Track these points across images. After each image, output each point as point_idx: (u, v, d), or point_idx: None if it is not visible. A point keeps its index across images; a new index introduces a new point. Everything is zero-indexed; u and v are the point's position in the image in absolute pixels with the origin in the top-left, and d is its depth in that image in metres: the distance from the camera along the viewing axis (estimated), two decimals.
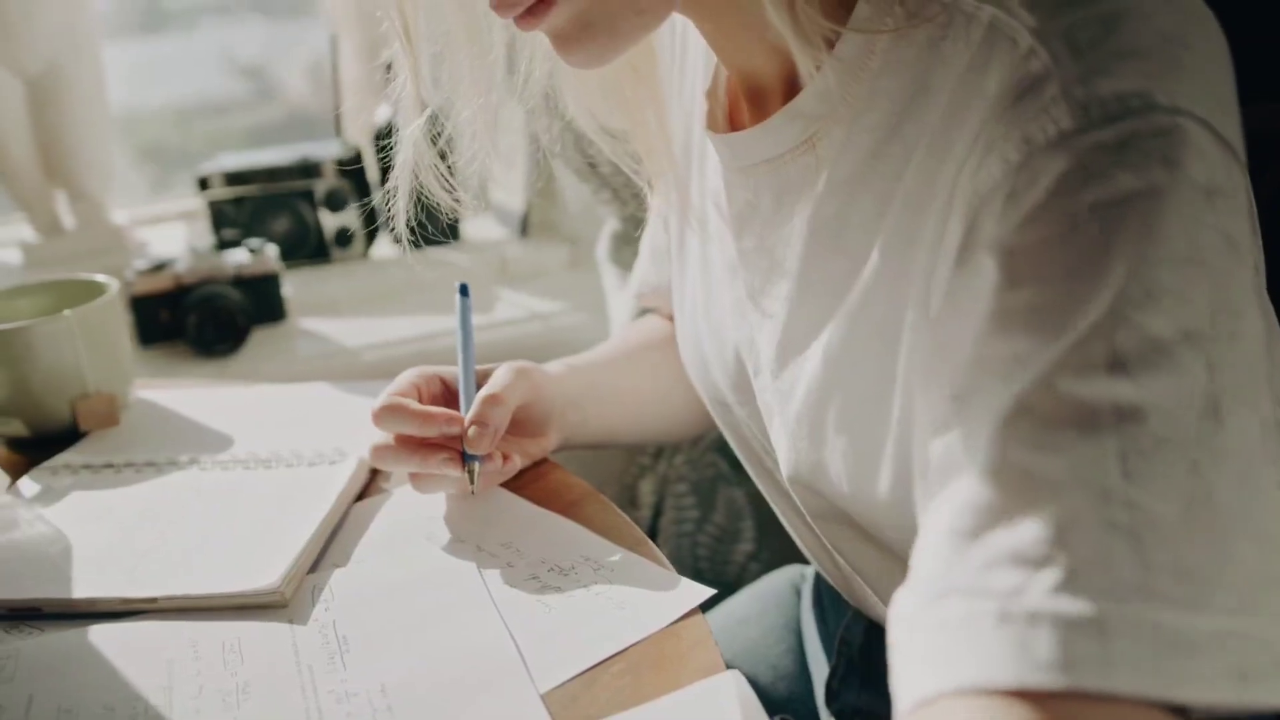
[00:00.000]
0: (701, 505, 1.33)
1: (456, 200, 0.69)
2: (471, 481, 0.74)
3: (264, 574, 0.68)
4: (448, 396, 0.80)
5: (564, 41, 0.58)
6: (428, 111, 0.66)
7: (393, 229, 0.69)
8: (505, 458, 0.77)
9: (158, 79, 1.92)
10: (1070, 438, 0.42)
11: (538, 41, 0.69)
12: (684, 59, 0.76)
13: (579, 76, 0.69)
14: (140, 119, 1.92)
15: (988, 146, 0.48)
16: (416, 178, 0.67)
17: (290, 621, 0.65)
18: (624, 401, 0.89)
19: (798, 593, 0.99)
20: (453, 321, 1.33)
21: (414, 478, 0.76)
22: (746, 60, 0.62)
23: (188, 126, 1.99)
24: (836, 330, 0.59)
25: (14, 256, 1.50)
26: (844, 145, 0.57)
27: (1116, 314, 0.43)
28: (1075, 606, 0.39)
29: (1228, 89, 0.48)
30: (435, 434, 0.73)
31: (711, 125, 0.68)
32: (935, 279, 0.52)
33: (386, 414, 0.73)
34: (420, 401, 0.77)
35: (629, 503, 1.34)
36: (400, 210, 0.69)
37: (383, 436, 0.75)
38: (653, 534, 1.35)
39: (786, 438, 0.66)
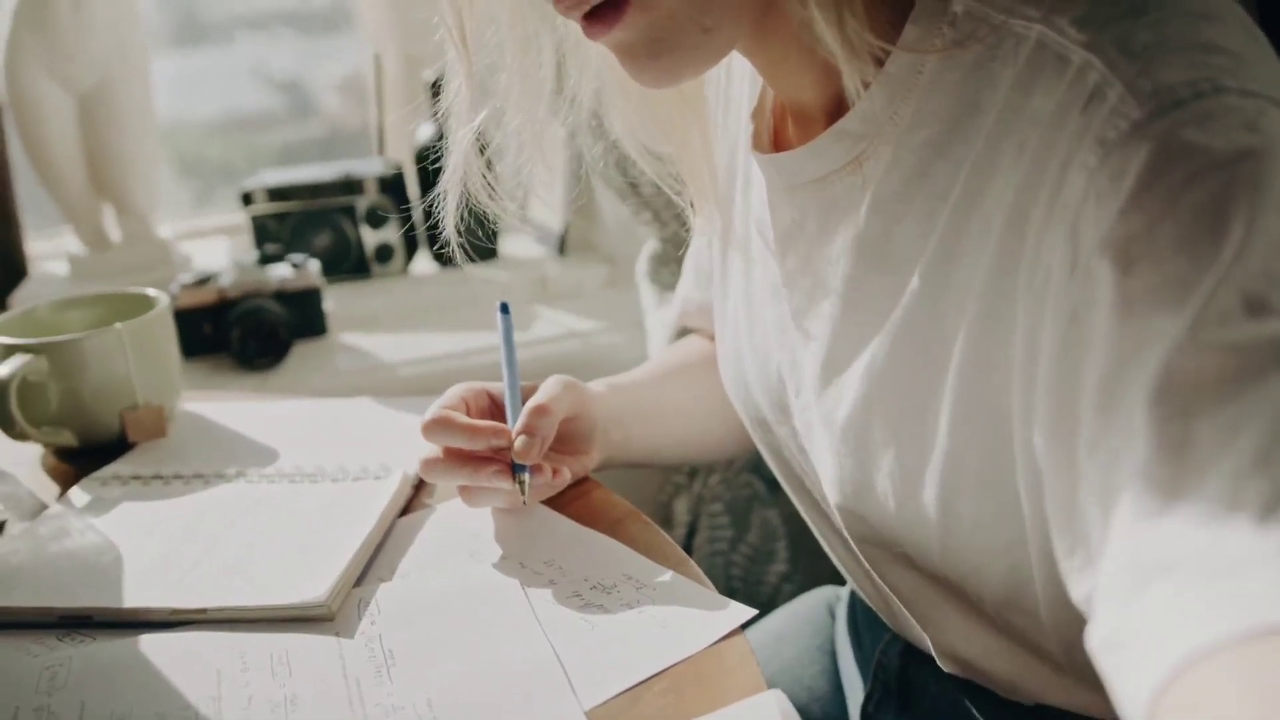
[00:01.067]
0: (736, 525, 1.33)
1: (503, 208, 0.70)
2: (523, 492, 0.74)
3: (311, 587, 0.69)
4: (494, 411, 0.81)
5: (633, 59, 0.58)
6: (480, 118, 0.67)
7: (439, 239, 0.70)
8: (555, 471, 0.77)
9: (195, 92, 1.94)
10: (1231, 390, 0.40)
11: (586, 60, 0.70)
12: (728, 86, 0.77)
13: (625, 98, 0.70)
14: (179, 132, 1.94)
15: (1065, 163, 0.48)
16: (464, 184, 0.68)
17: (337, 634, 0.66)
18: (666, 421, 0.89)
19: (832, 614, 0.99)
20: (492, 337, 1.35)
21: (463, 491, 0.77)
22: (794, 81, 0.63)
23: (226, 140, 2.02)
24: (880, 347, 0.60)
25: (61, 268, 1.53)
26: (890, 165, 0.58)
27: (1242, 262, 0.42)
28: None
29: None
30: (483, 447, 0.74)
31: (757, 146, 0.69)
32: (1040, 308, 0.51)
33: (435, 427, 0.74)
34: (468, 415, 0.78)
35: (663, 522, 1.34)
36: (449, 213, 0.69)
37: (431, 450, 0.76)
38: (686, 553, 1.35)
39: (831, 456, 0.66)
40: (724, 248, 0.78)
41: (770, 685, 0.93)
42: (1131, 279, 0.44)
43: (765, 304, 0.72)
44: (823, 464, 0.68)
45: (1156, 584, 0.38)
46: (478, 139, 0.68)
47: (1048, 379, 0.50)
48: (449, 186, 0.69)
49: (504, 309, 0.81)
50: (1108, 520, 0.43)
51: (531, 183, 0.71)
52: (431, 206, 0.70)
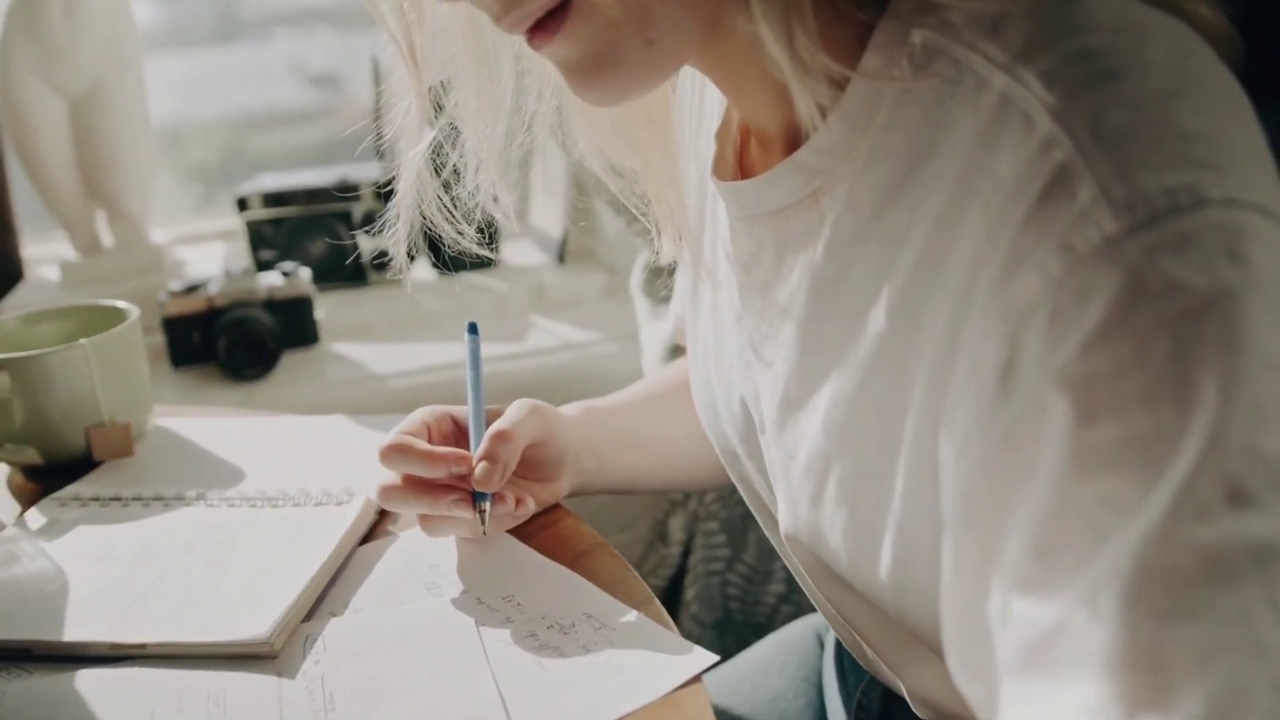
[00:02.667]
0: (732, 544, 1.30)
1: (459, 233, 0.67)
2: (483, 523, 0.71)
3: (256, 623, 0.66)
4: (458, 436, 0.78)
5: (577, 75, 0.55)
6: (429, 138, 0.64)
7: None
8: (518, 501, 0.74)
9: (231, 88, 1.93)
10: (1205, 595, 0.36)
11: (546, 75, 0.67)
12: (701, 106, 0.73)
13: (589, 115, 0.67)
14: (190, 134, 1.93)
15: (1019, 254, 0.43)
16: (419, 207, 0.65)
17: (279, 674, 0.63)
18: (647, 447, 0.86)
19: (821, 642, 0.96)
20: (486, 349, 1.32)
21: (423, 520, 0.74)
22: (752, 102, 0.60)
23: (239, 143, 2.00)
24: (837, 398, 0.56)
25: (53, 274, 1.51)
26: (846, 203, 0.54)
27: (1220, 440, 0.37)
28: None
29: (1265, 152, 0.45)
30: (443, 474, 0.71)
31: (720, 169, 0.66)
32: (961, 395, 0.47)
33: (393, 453, 0.71)
34: (430, 441, 0.75)
35: (659, 539, 1.31)
36: (401, 239, 0.67)
37: (390, 477, 0.73)
38: (682, 572, 1.32)
39: (786, 502, 0.63)
40: (694, 271, 0.74)
41: (757, 718, 0.91)
42: (1091, 430, 0.40)
43: (729, 331, 0.69)
44: (780, 509, 0.64)
45: None
46: (435, 158, 0.65)
47: (966, 482, 0.46)
48: (400, 209, 0.66)
49: (472, 329, 0.78)
50: (1035, 679, 0.40)
51: (491, 204, 0.68)
52: (385, 227, 0.67)
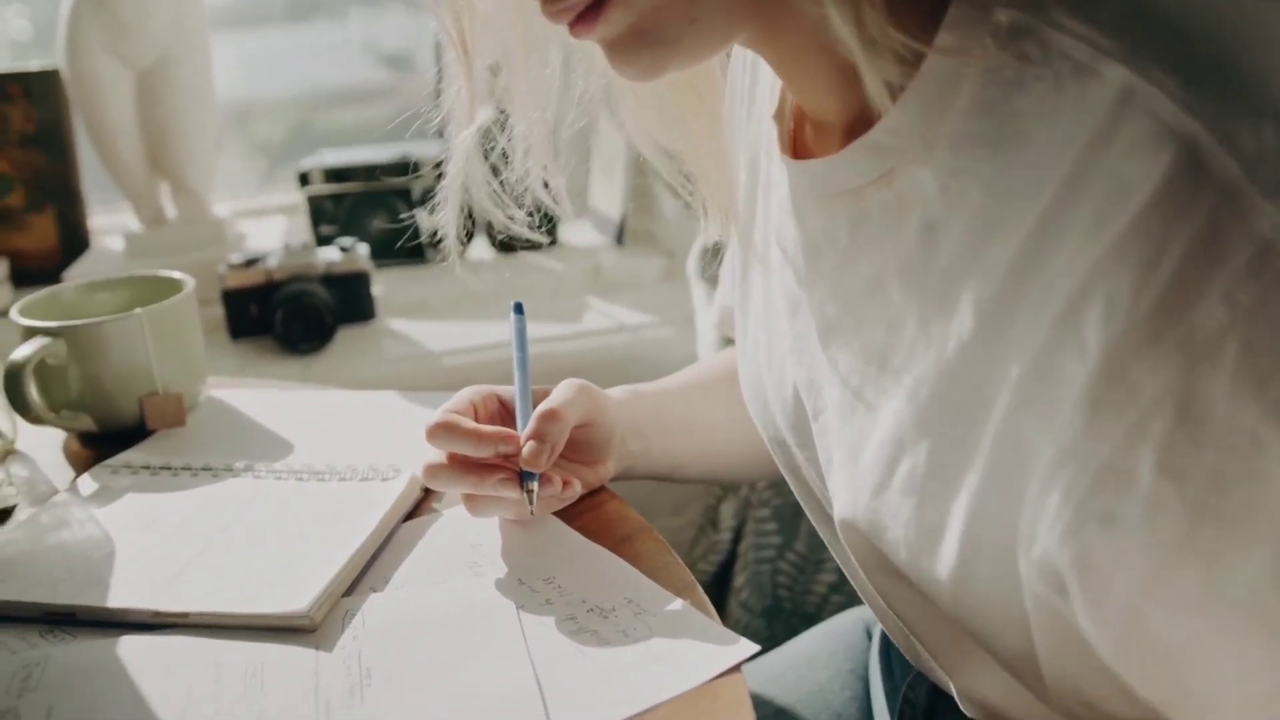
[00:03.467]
0: (783, 532, 1.29)
1: (510, 217, 0.67)
2: (530, 503, 0.71)
3: (296, 596, 0.66)
4: (504, 416, 0.77)
5: (617, 52, 0.54)
6: (479, 122, 0.63)
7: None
8: (565, 482, 0.74)
9: (305, 66, 1.95)
10: None
11: (595, 56, 0.65)
12: (753, 86, 0.72)
13: (637, 94, 0.66)
14: (259, 110, 1.95)
15: (1185, 280, 0.42)
16: (467, 191, 0.65)
17: (316, 648, 0.63)
18: (693, 434, 0.85)
19: (869, 634, 0.94)
20: (541, 329, 1.32)
21: (468, 500, 0.73)
22: (811, 84, 0.58)
23: (306, 118, 2.02)
24: (917, 388, 0.54)
25: (118, 245, 1.53)
26: (928, 187, 0.52)
27: None
28: None
29: None
30: (490, 453, 0.70)
31: (782, 148, 0.64)
32: (1111, 424, 0.44)
33: (439, 431, 0.71)
34: (476, 420, 0.74)
35: (710, 524, 1.30)
36: (450, 221, 0.66)
37: (436, 455, 0.72)
38: (732, 558, 1.31)
39: (847, 490, 0.61)
40: (743, 256, 0.73)
41: (799, 709, 0.90)
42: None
43: (782, 317, 0.67)
44: (838, 495, 0.63)
45: None
46: (485, 142, 0.65)
47: (1160, 524, 0.44)
48: (449, 193, 0.65)
49: (518, 309, 0.77)
50: None
51: (540, 187, 0.67)
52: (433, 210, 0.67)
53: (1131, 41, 0.44)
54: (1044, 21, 0.47)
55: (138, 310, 0.89)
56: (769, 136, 0.66)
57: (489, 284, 1.48)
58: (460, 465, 0.71)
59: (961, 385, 0.51)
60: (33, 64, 1.51)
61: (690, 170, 0.68)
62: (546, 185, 0.69)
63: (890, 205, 0.55)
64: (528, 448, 0.70)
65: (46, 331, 0.88)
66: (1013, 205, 0.48)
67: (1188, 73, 0.43)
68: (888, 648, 0.87)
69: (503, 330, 1.36)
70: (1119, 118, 0.43)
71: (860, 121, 0.55)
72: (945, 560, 0.54)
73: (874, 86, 0.50)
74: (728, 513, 1.29)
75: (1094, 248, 0.44)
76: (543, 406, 0.72)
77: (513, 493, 0.70)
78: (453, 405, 0.74)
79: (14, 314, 0.91)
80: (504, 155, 0.67)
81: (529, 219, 0.68)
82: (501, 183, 0.66)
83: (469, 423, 0.72)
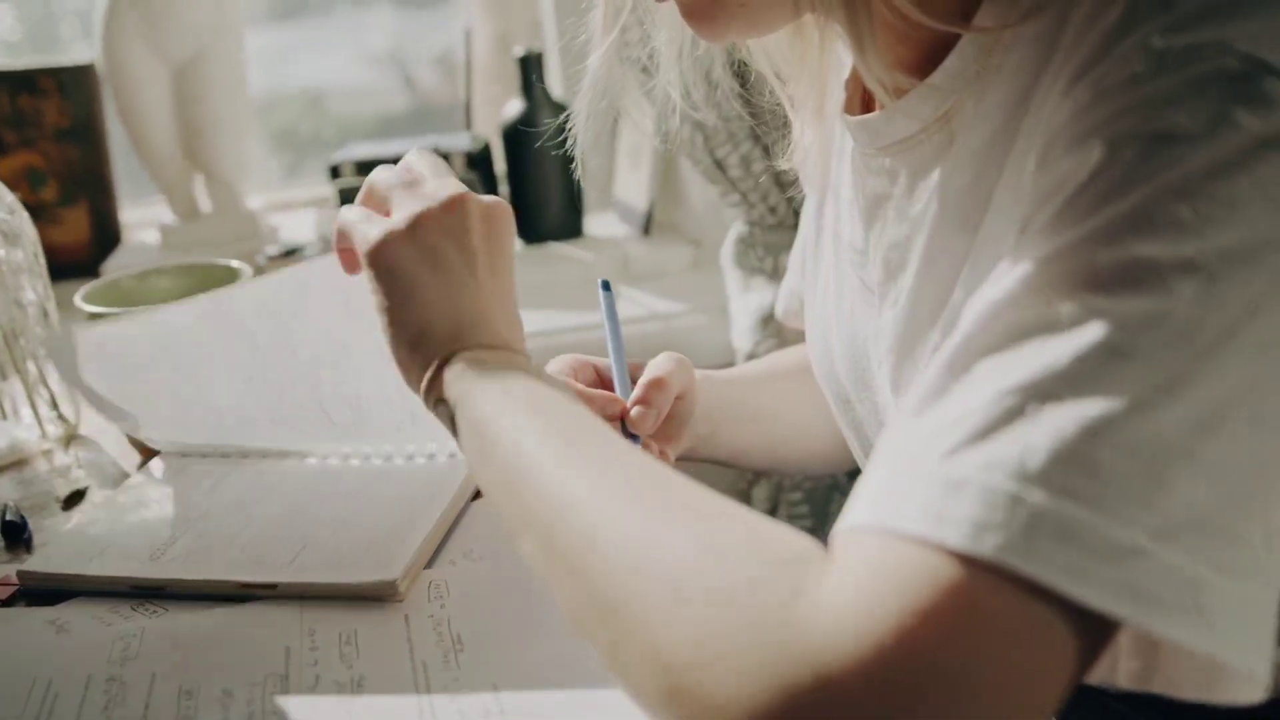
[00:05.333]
0: (815, 515, 1.31)
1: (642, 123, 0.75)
2: None
3: (383, 566, 0.68)
4: (600, 384, 0.78)
5: (687, 17, 0.61)
6: (617, 28, 0.69)
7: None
8: (661, 452, 0.76)
9: (291, 65, 1.95)
10: (1023, 340, 0.42)
11: None
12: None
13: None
14: (274, 105, 1.96)
15: (1066, 89, 0.48)
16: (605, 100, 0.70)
17: (406, 616, 0.65)
18: (759, 423, 0.86)
19: None
20: (577, 315, 1.34)
21: None
22: (880, 40, 0.62)
23: (319, 112, 2.03)
24: (953, 311, 0.58)
25: (153, 237, 1.55)
26: (975, 120, 0.57)
27: (1106, 233, 0.42)
28: (995, 480, 0.39)
29: None
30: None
31: (848, 109, 0.68)
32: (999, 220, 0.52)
33: None
34: None
35: None
36: (581, 131, 0.72)
37: None
38: None
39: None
40: (818, 220, 0.75)
41: None
42: (1043, 206, 0.46)
43: (850, 277, 0.70)
44: None
45: (898, 460, 0.43)
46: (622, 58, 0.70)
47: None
48: (581, 107, 0.71)
49: (605, 286, 0.79)
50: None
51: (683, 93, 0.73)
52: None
53: None
54: None
55: (200, 296, 0.91)
56: (839, 98, 0.69)
57: (520, 275, 1.49)
58: None
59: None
60: (65, 59, 1.53)
61: (791, 92, 0.73)
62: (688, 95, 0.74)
63: (943, 145, 0.59)
64: (636, 411, 0.72)
65: (114, 318, 0.90)
66: (1035, 107, 0.53)
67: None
68: None
69: (536, 319, 1.38)
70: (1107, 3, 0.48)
71: (926, 64, 0.60)
72: None
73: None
74: (761, 496, 1.31)
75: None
76: (651, 374, 0.74)
77: None
78: (555, 369, 0.76)
79: (78, 301, 0.93)
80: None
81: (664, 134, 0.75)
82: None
83: (577, 385, 0.74)
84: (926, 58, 0.59)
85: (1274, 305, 0.41)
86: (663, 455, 0.75)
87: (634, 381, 0.75)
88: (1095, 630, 0.39)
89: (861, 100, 0.68)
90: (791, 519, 1.30)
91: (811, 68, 0.72)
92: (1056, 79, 0.50)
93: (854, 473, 1.24)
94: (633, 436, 0.72)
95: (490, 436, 0.55)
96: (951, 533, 0.39)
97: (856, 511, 0.42)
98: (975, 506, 0.39)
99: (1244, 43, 0.43)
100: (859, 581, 0.39)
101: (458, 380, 0.58)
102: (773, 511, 1.31)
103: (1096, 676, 0.53)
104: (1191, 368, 0.40)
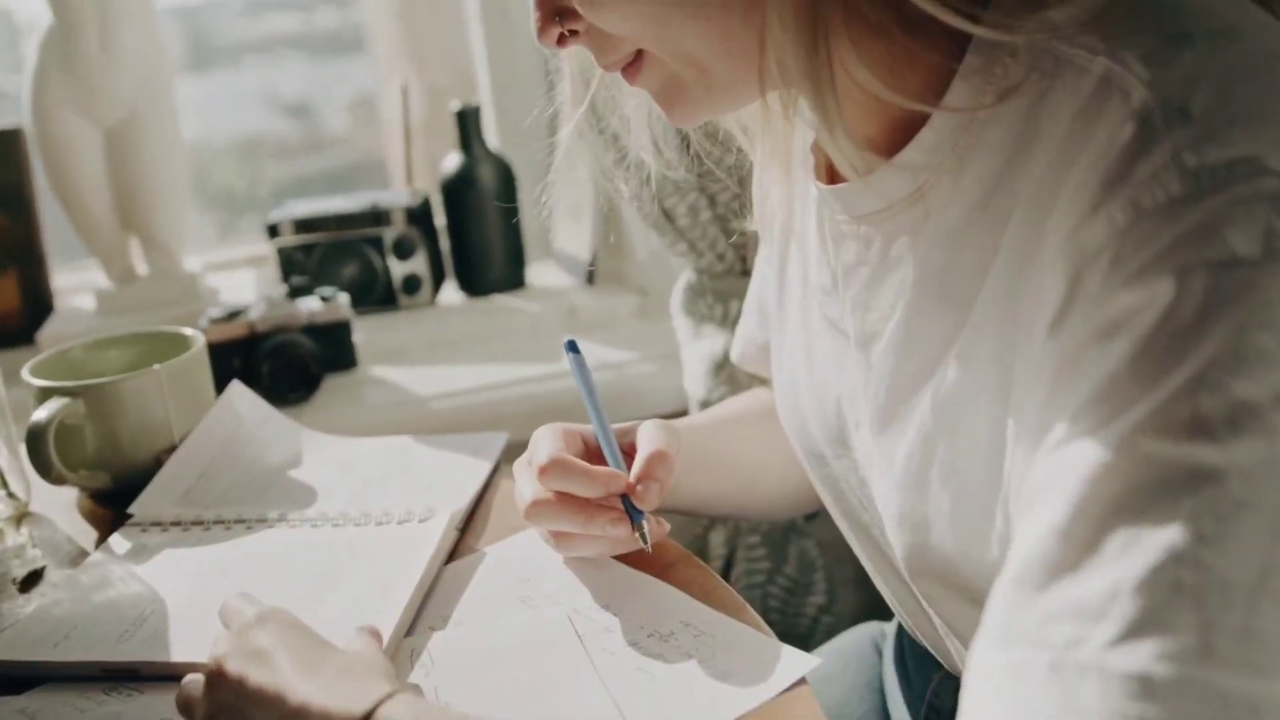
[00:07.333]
0: (773, 557, 1.31)
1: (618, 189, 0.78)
2: (644, 540, 0.72)
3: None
4: (586, 454, 0.78)
5: (657, 100, 0.64)
6: (586, 100, 0.72)
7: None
8: (659, 520, 0.75)
9: (205, 117, 1.92)
10: (1146, 500, 0.42)
11: None
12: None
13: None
14: (203, 160, 1.93)
15: (1094, 205, 0.48)
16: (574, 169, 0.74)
17: None
18: (720, 471, 0.86)
19: (879, 651, 0.97)
20: (524, 369, 1.34)
21: (561, 536, 0.75)
22: (848, 118, 0.62)
23: (238, 166, 2.01)
24: (942, 383, 0.59)
25: (88, 303, 1.52)
26: (951, 195, 0.57)
27: (1203, 377, 0.42)
28: (1126, 662, 0.39)
29: None
30: (602, 493, 0.72)
31: (818, 176, 0.69)
32: (1034, 330, 0.51)
33: (555, 469, 0.72)
34: None
35: (699, 555, 1.32)
36: (556, 200, 0.75)
37: (538, 492, 0.73)
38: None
39: (894, 491, 0.64)
40: (781, 269, 0.76)
41: None
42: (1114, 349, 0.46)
43: (823, 336, 0.71)
44: (884, 500, 0.66)
45: (1013, 651, 0.43)
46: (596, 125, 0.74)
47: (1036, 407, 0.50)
48: (556, 177, 0.74)
49: (571, 347, 0.79)
50: (1009, 561, 0.47)
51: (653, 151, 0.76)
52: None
53: (1120, 37, 0.50)
54: (1056, 38, 0.52)
55: (156, 366, 0.90)
56: (806, 165, 0.70)
57: (464, 327, 1.49)
58: (569, 503, 0.72)
59: (980, 372, 0.56)
60: None
61: (749, 128, 0.76)
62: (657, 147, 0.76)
63: (919, 218, 0.60)
64: (641, 488, 0.72)
65: (64, 391, 0.88)
66: (1019, 192, 0.53)
67: (1158, 54, 0.49)
68: (904, 659, 0.91)
69: (482, 373, 1.38)
70: (1101, 97, 0.49)
71: (895, 139, 0.60)
72: (993, 539, 0.58)
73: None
74: (718, 541, 1.31)
75: (1069, 199, 0.49)
76: (650, 447, 0.74)
77: (623, 532, 0.72)
78: (549, 444, 0.75)
79: (26, 375, 0.91)
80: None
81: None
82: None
83: (581, 463, 0.73)
84: (894, 135, 0.60)
85: None
86: (659, 525, 0.75)
87: (621, 448, 0.75)
88: None
89: (828, 167, 0.69)
90: (749, 563, 1.30)
91: (776, 130, 0.73)
92: (1052, 171, 0.51)
93: (811, 516, 1.26)
94: (637, 512, 0.72)
95: None
96: None
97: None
98: (1102, 694, 0.39)
99: (1274, 158, 0.44)
100: None
101: None
102: (730, 556, 1.31)
103: None
104: None
